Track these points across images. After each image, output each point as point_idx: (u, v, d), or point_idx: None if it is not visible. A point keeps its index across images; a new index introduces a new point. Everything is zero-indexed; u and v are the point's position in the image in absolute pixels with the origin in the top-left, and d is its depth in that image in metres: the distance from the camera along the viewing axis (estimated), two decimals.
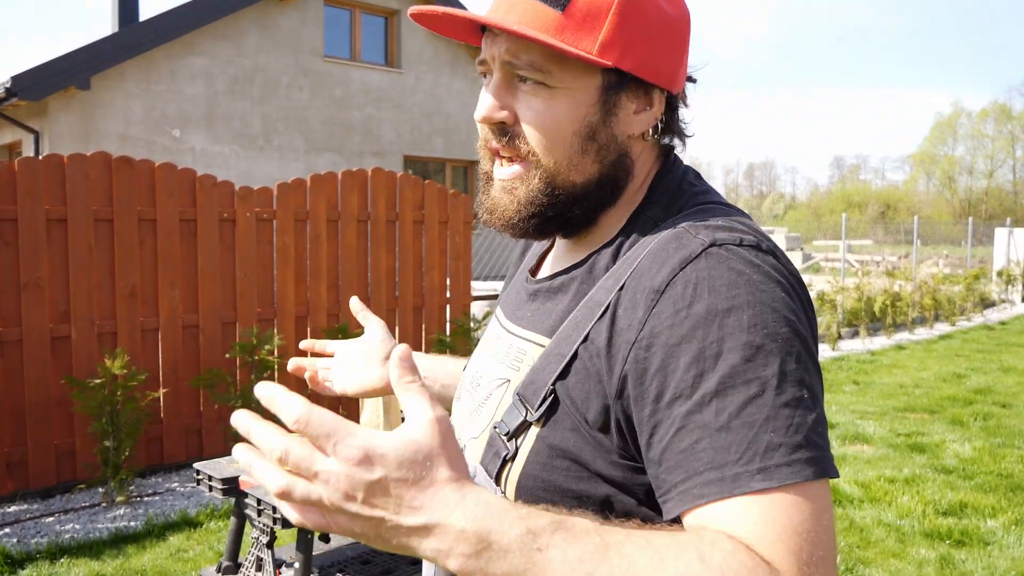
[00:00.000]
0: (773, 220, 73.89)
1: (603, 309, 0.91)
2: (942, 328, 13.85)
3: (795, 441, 0.76)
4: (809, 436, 0.77)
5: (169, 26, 12.46)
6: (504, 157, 1.01)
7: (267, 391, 0.72)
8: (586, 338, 0.91)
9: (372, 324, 1.48)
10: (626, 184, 1.02)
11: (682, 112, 1.06)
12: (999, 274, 18.18)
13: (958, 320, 14.72)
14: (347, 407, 6.19)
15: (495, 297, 8.29)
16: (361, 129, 15.13)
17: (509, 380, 1.01)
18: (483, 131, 1.02)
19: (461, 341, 6.87)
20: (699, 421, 0.78)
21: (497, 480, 0.96)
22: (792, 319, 0.83)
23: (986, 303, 17.29)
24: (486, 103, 0.99)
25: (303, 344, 1.49)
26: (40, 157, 4.94)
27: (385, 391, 1.42)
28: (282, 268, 5.95)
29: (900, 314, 13.34)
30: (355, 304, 1.53)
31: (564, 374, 0.92)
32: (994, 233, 19.94)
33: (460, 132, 16.50)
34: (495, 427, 0.98)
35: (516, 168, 0.99)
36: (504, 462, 0.95)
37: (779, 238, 33.46)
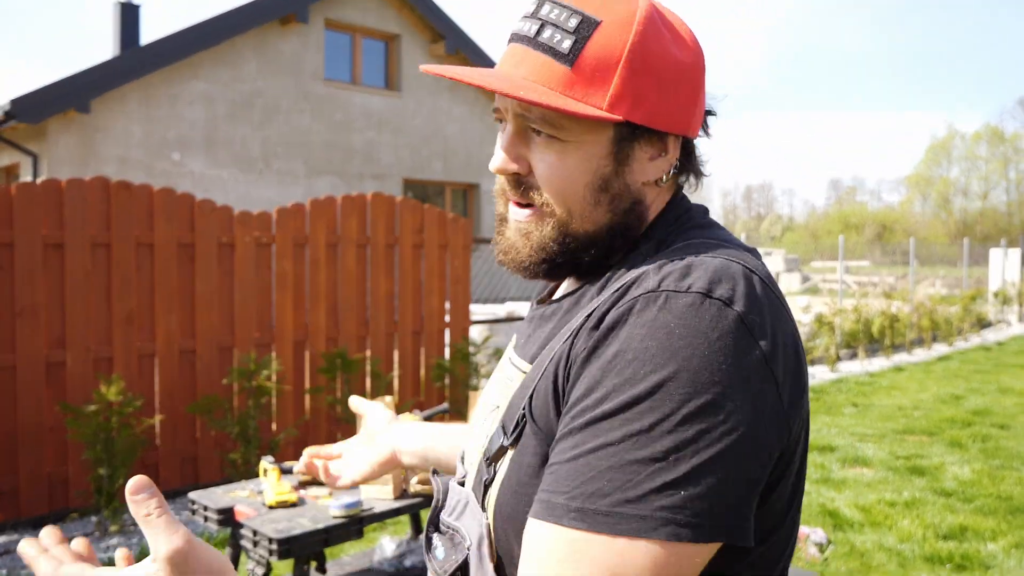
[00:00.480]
0: (771, 242, 74.00)
1: (570, 336, 0.92)
2: (940, 349, 13.85)
3: (628, 496, 0.76)
4: (648, 496, 0.76)
5: (170, 50, 12.52)
6: (518, 201, 1.03)
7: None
8: (553, 363, 0.93)
9: (373, 410, 1.52)
10: (639, 228, 1.03)
11: (701, 145, 1.07)
12: (995, 295, 18.19)
13: (956, 341, 14.71)
14: (346, 434, 6.17)
15: (495, 321, 8.28)
16: (361, 153, 15.17)
17: (499, 407, 1.03)
18: (499, 178, 1.04)
19: (460, 366, 6.86)
20: (572, 442, 0.82)
21: (483, 505, 0.97)
22: (708, 379, 0.79)
23: (983, 324, 17.29)
24: (500, 155, 1.01)
25: (308, 451, 1.49)
26: (38, 181, 4.94)
27: (384, 469, 1.45)
28: (280, 293, 5.95)
29: (898, 335, 13.34)
30: (354, 403, 1.56)
31: (531, 399, 0.93)
32: (989, 254, 19.97)
33: (459, 155, 16.55)
34: (485, 454, 1.00)
35: (529, 213, 1.01)
36: (486, 487, 0.97)
37: (777, 259, 33.51)
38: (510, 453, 0.94)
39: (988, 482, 5.95)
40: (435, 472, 1.25)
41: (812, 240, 63.81)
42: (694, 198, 1.10)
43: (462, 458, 1.15)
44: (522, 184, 1.00)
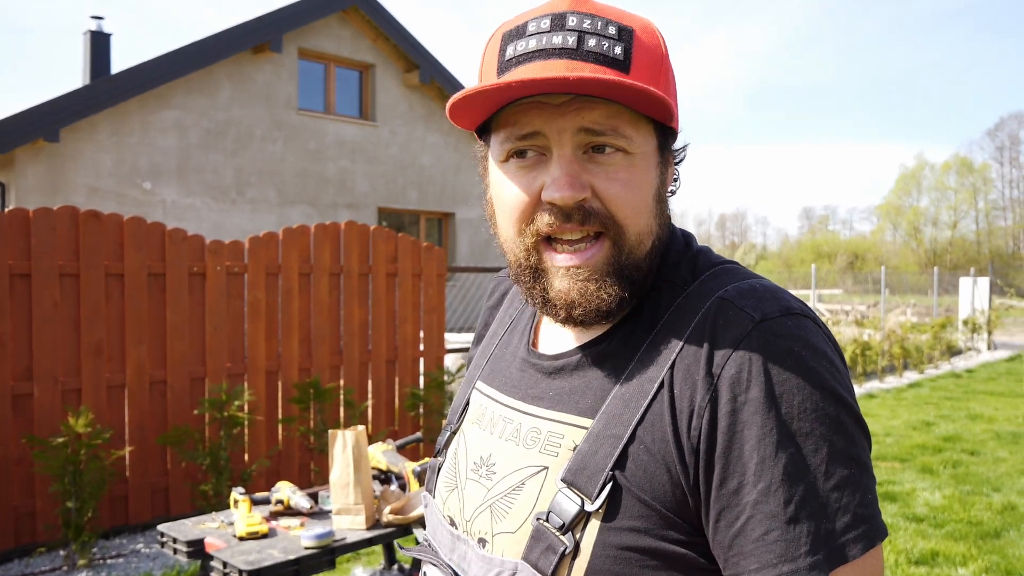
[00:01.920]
0: None
1: (656, 386, 0.88)
2: (911, 376, 13.97)
3: (844, 523, 0.81)
4: (856, 512, 0.81)
5: (142, 79, 12.47)
6: (566, 240, 0.92)
7: None
8: (642, 419, 0.88)
9: None
10: (668, 241, 1.01)
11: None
12: (965, 323, 18.39)
13: (926, 368, 14.85)
14: (319, 464, 6.12)
15: (469, 350, 8.26)
16: (335, 181, 15.16)
17: (547, 467, 0.93)
18: (543, 218, 0.92)
19: (434, 395, 6.83)
20: (767, 511, 0.81)
21: None
22: (837, 391, 0.85)
23: (953, 351, 17.47)
24: (567, 181, 0.89)
25: None
26: (5, 211, 4.89)
27: None
28: (253, 322, 5.91)
29: (870, 363, 13.45)
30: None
31: (623, 458, 0.87)
32: (959, 283, 20.21)
33: (434, 185, 16.57)
34: (539, 518, 0.90)
35: (592, 251, 0.92)
36: (562, 557, 0.88)
37: None
38: (595, 521, 0.87)
39: (959, 507, 5.98)
40: (402, 547, 1.18)
41: (785, 269, 64.26)
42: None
43: (453, 522, 1.05)
44: (586, 212, 0.91)
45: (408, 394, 6.77)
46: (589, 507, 0.87)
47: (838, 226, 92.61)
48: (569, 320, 0.94)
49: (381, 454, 3.65)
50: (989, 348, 18.74)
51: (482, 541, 0.98)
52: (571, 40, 0.89)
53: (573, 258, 0.92)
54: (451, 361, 7.95)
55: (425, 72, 15.87)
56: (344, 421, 6.25)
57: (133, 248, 5.33)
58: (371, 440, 6.06)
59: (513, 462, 0.97)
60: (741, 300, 0.89)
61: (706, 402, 0.85)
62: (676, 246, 1.02)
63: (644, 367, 0.91)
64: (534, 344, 1.09)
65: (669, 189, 1.01)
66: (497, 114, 0.95)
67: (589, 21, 0.90)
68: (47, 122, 11.60)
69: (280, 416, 6.03)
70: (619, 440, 0.88)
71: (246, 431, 5.76)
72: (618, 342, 0.96)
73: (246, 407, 5.52)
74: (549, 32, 0.90)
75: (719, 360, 0.86)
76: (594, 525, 0.87)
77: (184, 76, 12.99)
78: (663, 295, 0.96)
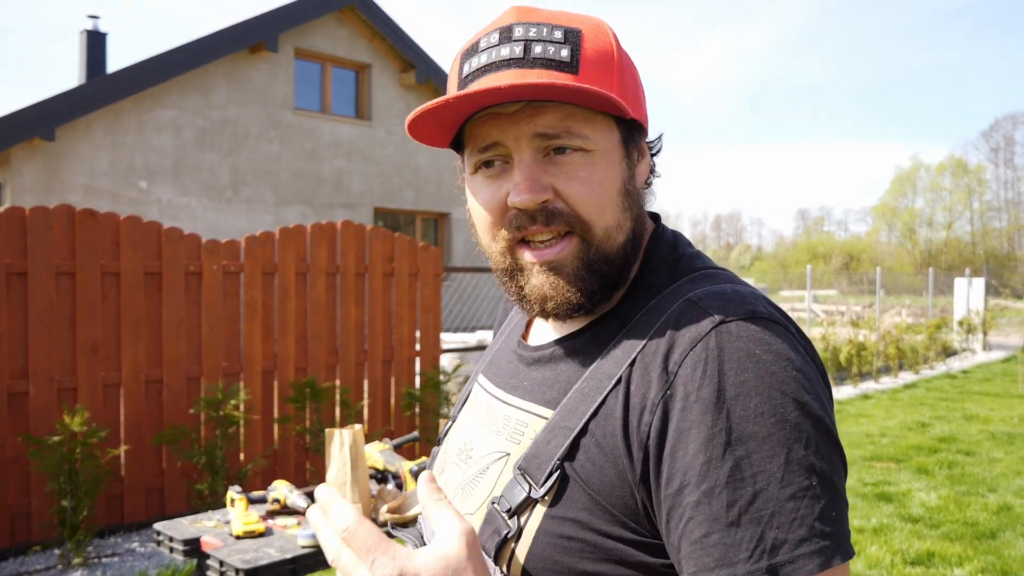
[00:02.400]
0: (740, 271, 74.62)
1: (613, 382, 0.90)
2: (906, 377, 13.99)
3: (799, 535, 0.77)
4: (814, 526, 0.78)
5: (138, 78, 12.46)
6: (539, 241, 0.95)
7: (324, 496, 0.80)
8: (596, 413, 0.89)
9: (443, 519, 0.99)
10: (644, 238, 1.02)
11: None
12: (960, 323, 18.44)
13: (922, 369, 14.87)
14: (315, 463, 6.11)
15: (465, 350, 8.27)
16: (331, 181, 15.15)
17: (509, 454, 0.97)
18: (512, 222, 0.95)
19: (430, 394, 6.83)
20: (708, 513, 0.79)
21: (497, 559, 0.92)
22: (802, 399, 0.82)
23: (948, 352, 17.50)
24: (527, 185, 0.92)
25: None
26: (1, 210, 4.88)
27: None
28: (249, 322, 5.90)
29: (865, 363, 13.47)
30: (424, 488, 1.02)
31: (573, 449, 0.89)
32: (954, 283, 20.26)
33: (431, 184, 16.57)
34: (493, 502, 0.94)
35: (561, 246, 0.94)
36: (505, 540, 0.91)
37: None
38: (540, 508, 0.90)
39: (954, 508, 5.99)
40: (395, 526, 1.21)
41: (781, 269, 64.44)
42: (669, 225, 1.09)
43: None
44: (550, 214, 0.93)
45: (404, 394, 6.77)
46: (535, 494, 0.90)
47: (833, 227, 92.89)
48: (544, 314, 0.97)
49: (378, 453, 3.65)
50: (984, 349, 18.77)
51: None
52: (518, 50, 0.92)
53: (544, 254, 0.95)
54: (447, 361, 7.95)
55: (421, 72, 15.87)
56: (340, 420, 6.24)
57: (129, 247, 5.32)
58: (367, 439, 6.06)
59: (486, 448, 1.02)
60: (706, 302, 0.89)
61: (659, 399, 0.85)
62: (663, 248, 1.02)
63: (607, 363, 0.92)
64: (524, 337, 1.13)
65: (644, 181, 1.02)
66: (464, 129, 0.99)
67: (535, 29, 0.93)
68: (43, 121, 11.58)
69: (276, 415, 6.03)
70: (571, 431, 0.90)
71: (242, 430, 5.76)
72: (589, 338, 0.98)
73: (242, 406, 5.52)
74: (498, 45, 0.93)
75: (676, 358, 0.85)
76: (539, 512, 0.90)
77: (180, 75, 12.98)
78: (640, 296, 0.98)
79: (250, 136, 14.05)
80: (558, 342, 1.02)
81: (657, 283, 0.98)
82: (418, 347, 7.05)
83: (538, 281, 0.96)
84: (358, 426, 3.33)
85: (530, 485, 0.91)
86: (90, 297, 5.16)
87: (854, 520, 5.71)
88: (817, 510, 0.78)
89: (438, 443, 1.20)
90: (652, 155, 1.06)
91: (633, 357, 0.90)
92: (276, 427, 6.02)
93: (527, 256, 0.96)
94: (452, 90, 0.98)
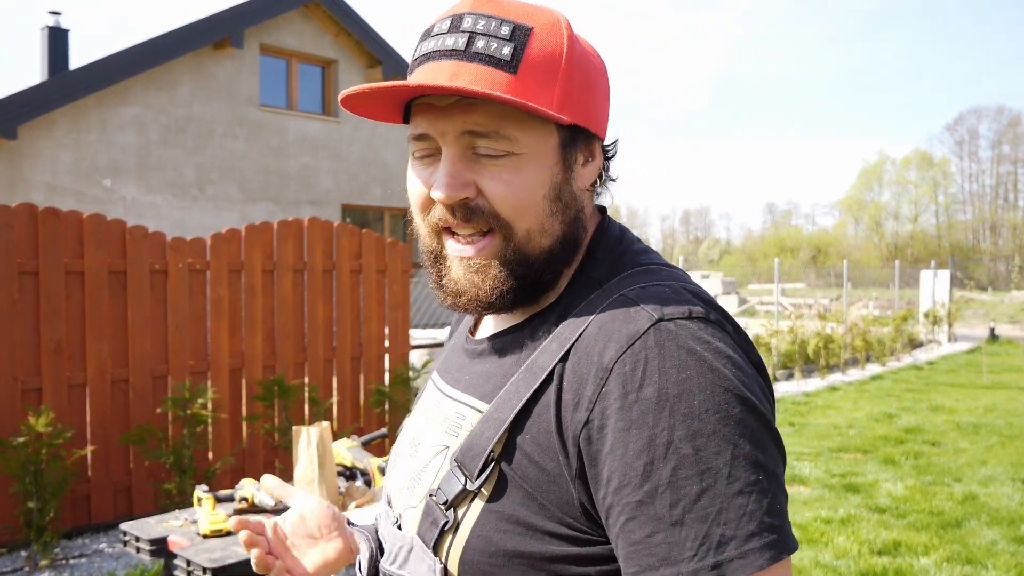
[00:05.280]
0: (709, 265, 75.08)
1: (545, 375, 0.89)
2: (873, 369, 14.15)
3: (748, 531, 0.77)
4: (763, 521, 0.78)
5: (101, 75, 12.31)
6: (463, 234, 0.96)
7: (270, 483, 0.85)
8: (527, 406, 0.89)
9: (298, 495, 1.23)
10: (582, 240, 1.00)
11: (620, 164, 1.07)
12: (926, 315, 18.67)
13: (888, 361, 15.05)
14: (284, 461, 6.08)
15: (434, 346, 8.25)
16: (298, 178, 15.06)
17: (447, 447, 0.97)
18: (437, 211, 0.95)
19: (400, 391, 6.81)
20: (651, 513, 0.79)
21: (435, 550, 0.92)
22: (745, 396, 0.83)
23: (914, 344, 17.73)
24: (447, 181, 0.92)
25: (233, 521, 1.14)
26: None
27: (348, 560, 1.18)
28: (216, 320, 5.85)
29: (833, 356, 13.61)
30: (268, 482, 1.29)
31: (509, 445, 0.89)
32: (920, 276, 20.51)
33: (399, 180, 16.52)
34: (431, 494, 0.94)
35: (482, 243, 0.94)
36: (443, 532, 0.92)
37: (715, 282, 33.98)
38: (478, 501, 0.90)
39: (920, 498, 6.07)
40: (350, 523, 1.20)
41: (749, 263, 64.93)
42: (633, 222, 1.08)
43: (389, 500, 1.09)
44: (471, 211, 0.93)
45: (374, 391, 6.74)
46: (470, 486, 0.90)
47: (801, 221, 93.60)
48: (456, 307, 0.98)
49: (346, 450, 3.63)
50: (950, 340, 19.03)
51: (399, 516, 1.03)
52: (461, 42, 0.91)
53: (464, 250, 0.95)
54: (416, 357, 7.93)
55: (388, 68, 15.81)
56: (309, 418, 6.21)
57: (93, 246, 5.26)
58: (336, 437, 6.03)
59: (430, 442, 1.01)
60: (643, 299, 0.89)
61: (596, 396, 0.84)
62: (608, 243, 1.02)
63: (542, 356, 0.92)
64: (472, 331, 1.12)
65: (588, 184, 1.00)
66: (411, 109, 0.98)
67: (483, 22, 0.92)
68: (4, 119, 11.41)
69: (244, 414, 5.98)
70: (502, 423, 0.90)
71: (210, 429, 5.71)
72: (527, 332, 0.98)
73: (210, 405, 5.47)
74: (446, 33, 0.93)
75: (612, 355, 0.84)
76: (477, 506, 0.90)
77: (144, 72, 12.84)
78: (581, 290, 0.97)
79: (215, 133, 13.93)
80: (498, 335, 1.02)
81: (599, 277, 0.97)
82: (387, 344, 7.03)
83: (456, 275, 0.97)
84: (326, 423, 3.31)
85: (466, 477, 0.91)
86: (54, 296, 5.09)
87: (822, 510, 5.77)
88: (765, 504, 0.79)
89: (394, 440, 1.20)
90: (608, 158, 1.04)
91: (566, 350, 0.89)
92: (244, 425, 5.98)
93: (450, 245, 0.97)
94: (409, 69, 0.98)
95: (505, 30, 0.91)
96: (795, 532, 4.60)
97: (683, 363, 0.82)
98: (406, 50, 16.88)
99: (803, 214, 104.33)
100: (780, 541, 0.78)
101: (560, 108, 0.92)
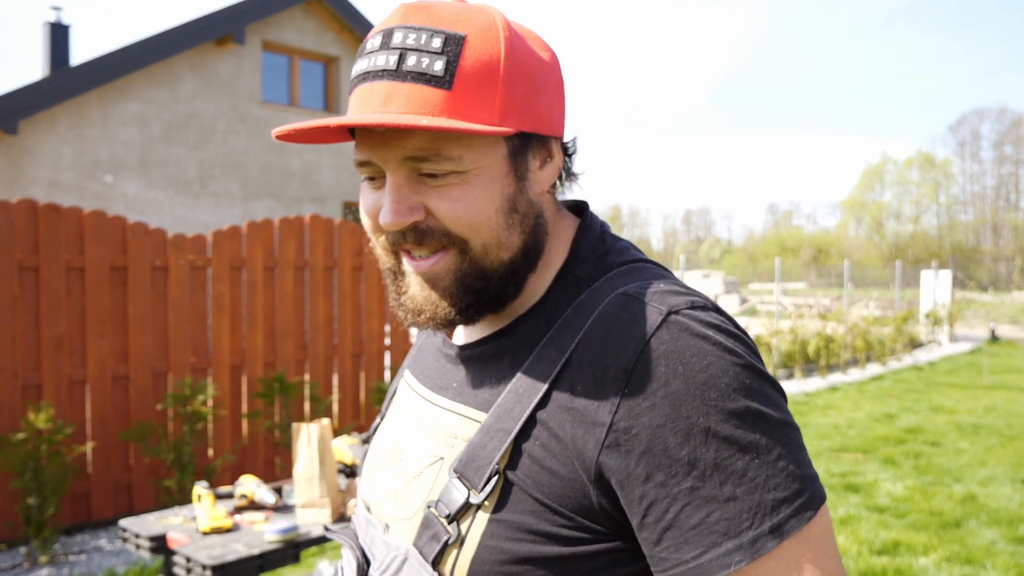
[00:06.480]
0: (710, 264, 75.10)
1: (550, 383, 0.88)
2: (874, 369, 14.14)
3: (794, 488, 0.81)
4: (805, 475, 0.83)
5: (102, 71, 12.29)
6: (418, 254, 0.93)
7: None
8: (534, 415, 0.88)
9: None
10: (545, 244, 0.98)
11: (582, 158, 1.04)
12: (927, 316, 18.65)
13: (889, 361, 15.04)
14: (284, 458, 6.08)
15: None
16: (300, 175, 15.05)
17: (442, 457, 0.94)
18: (391, 234, 0.93)
19: None
20: (705, 495, 0.80)
21: (436, 564, 0.90)
22: (757, 367, 0.86)
23: (915, 344, 17.72)
24: (392, 208, 0.89)
25: None
26: None
27: None
28: (217, 317, 5.85)
29: (833, 356, 13.60)
30: None
31: (515, 454, 0.87)
32: (921, 276, 20.49)
33: None
34: (430, 506, 0.91)
35: (437, 259, 0.92)
36: (446, 546, 0.89)
37: (716, 282, 34.01)
38: (483, 514, 0.88)
39: (920, 498, 6.07)
40: (327, 528, 1.18)
41: (750, 263, 64.94)
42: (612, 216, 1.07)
43: (368, 507, 1.06)
44: (422, 233, 0.90)
45: (374, 388, 6.74)
46: (474, 499, 0.88)
47: (802, 221, 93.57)
48: (417, 325, 0.96)
49: (346, 448, 3.63)
50: (950, 341, 19.02)
51: (387, 526, 1.00)
52: (392, 60, 0.88)
53: (420, 265, 0.93)
54: None
55: None
56: (309, 415, 6.21)
57: (94, 242, 5.26)
58: (337, 434, 6.03)
59: (417, 451, 0.99)
60: (646, 296, 0.88)
61: (619, 399, 0.83)
62: (591, 240, 1.00)
63: (539, 362, 0.90)
64: (449, 334, 1.09)
65: (548, 187, 0.98)
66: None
67: (413, 36, 0.88)
68: (5, 114, 11.40)
69: (245, 411, 5.99)
70: (507, 434, 0.88)
71: (210, 426, 5.71)
72: (519, 336, 0.96)
73: (210, 402, 5.47)
74: (378, 51, 0.89)
75: (629, 355, 0.84)
76: (482, 518, 0.88)
77: (145, 68, 12.83)
78: (568, 291, 0.96)
79: (217, 129, 13.92)
80: (485, 341, 0.99)
81: (586, 276, 0.96)
82: (388, 341, 7.03)
83: (414, 292, 0.95)
84: (326, 420, 3.31)
85: (468, 490, 0.89)
86: (54, 293, 5.09)
87: None
88: (801, 459, 0.84)
89: (367, 440, 1.18)
90: (569, 155, 1.01)
91: (568, 354, 0.88)
92: (245, 423, 5.98)
93: (407, 262, 0.94)
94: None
95: (436, 43, 0.87)
96: None
97: (702, 350, 0.84)
98: None
99: (805, 214, 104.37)
100: (819, 489, 0.84)
101: (503, 118, 0.88)
